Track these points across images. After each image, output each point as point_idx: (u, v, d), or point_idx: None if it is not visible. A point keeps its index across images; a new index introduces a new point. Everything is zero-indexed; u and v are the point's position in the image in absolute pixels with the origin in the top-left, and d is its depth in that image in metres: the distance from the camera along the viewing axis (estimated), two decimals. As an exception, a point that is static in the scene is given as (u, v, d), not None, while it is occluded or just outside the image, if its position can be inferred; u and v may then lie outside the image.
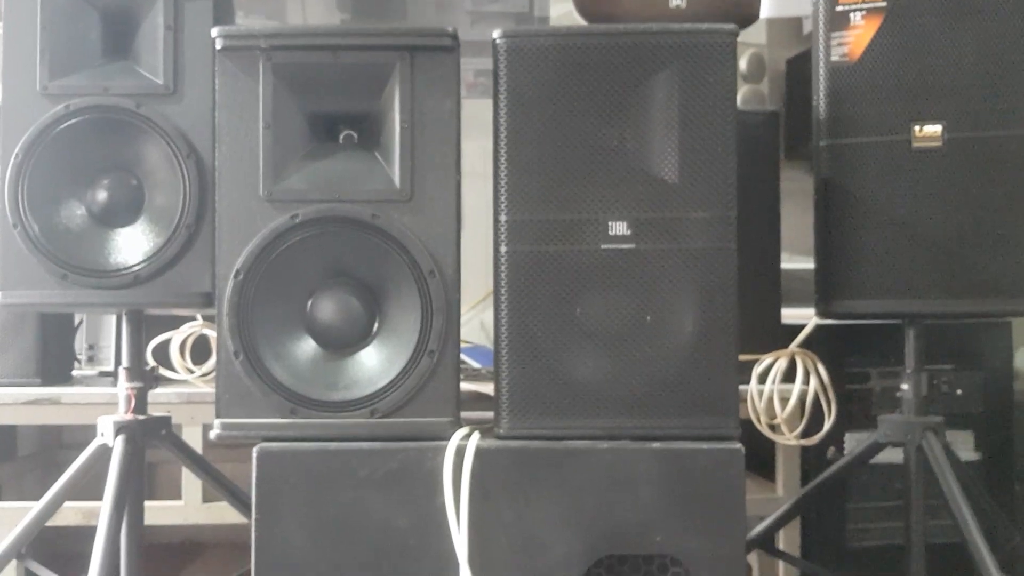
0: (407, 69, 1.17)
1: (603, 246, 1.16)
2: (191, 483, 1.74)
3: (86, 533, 1.30)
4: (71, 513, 1.67)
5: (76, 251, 1.25)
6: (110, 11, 1.27)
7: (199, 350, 1.67)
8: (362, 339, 1.19)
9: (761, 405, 1.52)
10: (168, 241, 1.25)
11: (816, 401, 1.51)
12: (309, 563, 1.13)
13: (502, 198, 1.17)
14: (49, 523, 1.34)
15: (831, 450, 1.79)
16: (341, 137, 1.21)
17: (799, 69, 2.21)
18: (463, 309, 1.23)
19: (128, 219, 1.27)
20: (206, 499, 1.74)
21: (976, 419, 1.86)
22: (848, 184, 1.34)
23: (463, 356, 1.72)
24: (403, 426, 1.16)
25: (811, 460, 1.76)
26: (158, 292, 1.25)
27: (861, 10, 1.34)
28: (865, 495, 1.81)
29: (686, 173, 1.16)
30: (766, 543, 1.51)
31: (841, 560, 1.79)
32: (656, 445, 1.14)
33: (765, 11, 2.11)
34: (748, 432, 1.25)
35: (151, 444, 1.35)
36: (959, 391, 1.85)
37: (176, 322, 1.68)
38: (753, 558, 1.75)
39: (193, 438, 1.69)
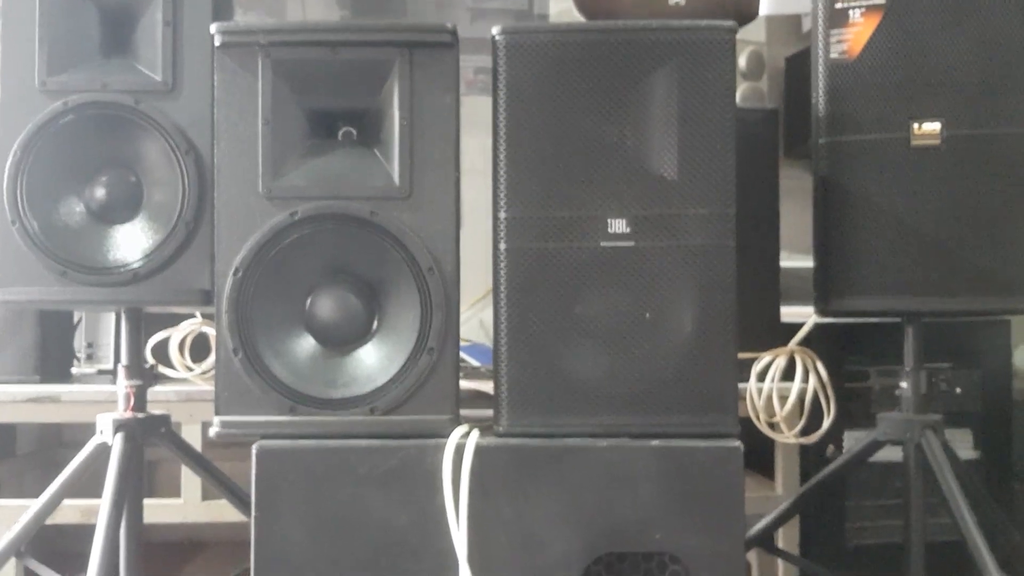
0: (406, 66, 1.16)
1: (602, 243, 1.16)
2: (190, 481, 1.74)
3: (85, 531, 1.30)
4: (70, 511, 1.67)
5: (75, 248, 1.25)
6: (109, 7, 1.27)
7: (198, 348, 1.67)
8: (361, 336, 1.19)
9: (760, 403, 1.52)
10: (167, 238, 1.25)
11: (815, 399, 1.51)
12: (309, 561, 1.13)
13: (501, 195, 1.17)
14: (48, 521, 1.34)
15: (830, 448, 1.79)
16: (340, 134, 1.21)
17: (798, 67, 2.21)
18: (462, 307, 1.23)
19: (127, 216, 1.27)
20: (205, 497, 1.74)
21: (975, 417, 1.87)
22: (847, 182, 1.34)
23: (462, 354, 1.72)
24: (402, 424, 1.16)
25: (810, 458, 1.76)
26: (157, 289, 1.25)
27: (860, 7, 1.34)
28: (864, 493, 1.81)
29: (685, 170, 1.16)
30: (765, 541, 1.51)
31: (840, 558, 1.79)
32: (655, 443, 1.14)
33: (764, 9, 2.11)
34: (747, 430, 1.25)
35: (150, 442, 1.35)
36: (958, 389, 1.85)
37: (175, 320, 1.68)
38: (752, 556, 1.75)
39: (192, 436, 1.69)
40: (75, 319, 1.92)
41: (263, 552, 1.13)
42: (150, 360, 1.57)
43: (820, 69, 1.37)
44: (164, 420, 1.38)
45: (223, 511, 1.67)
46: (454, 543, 1.10)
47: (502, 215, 1.17)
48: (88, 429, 1.36)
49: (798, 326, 1.55)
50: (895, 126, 1.32)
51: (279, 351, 1.17)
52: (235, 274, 1.16)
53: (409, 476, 1.13)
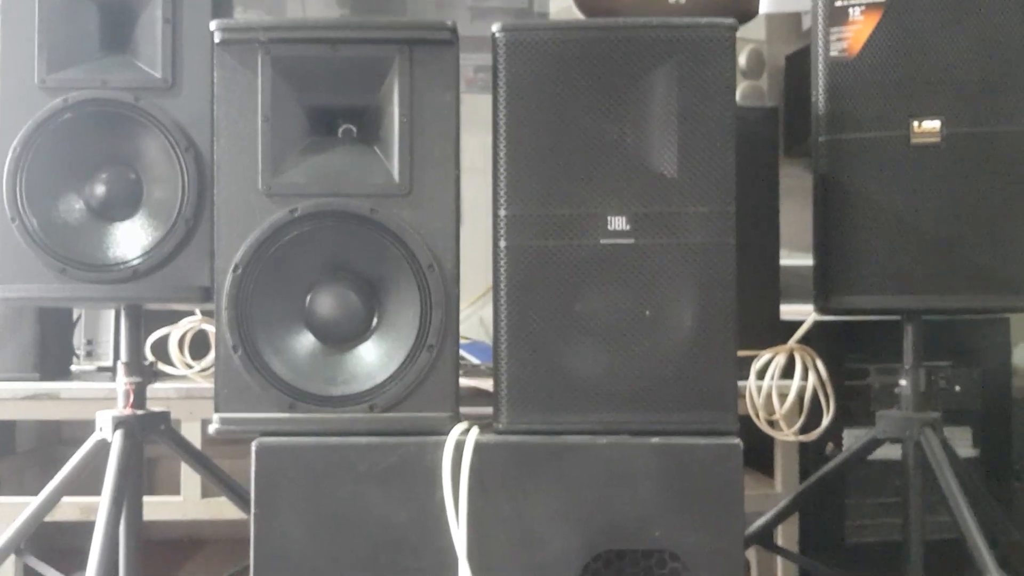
0: (406, 63, 1.16)
1: (602, 241, 1.16)
2: (190, 478, 1.74)
3: (85, 528, 1.30)
4: (70, 508, 1.67)
5: (74, 245, 1.25)
6: (108, 4, 1.27)
7: (198, 345, 1.67)
8: (361, 334, 1.19)
9: (760, 401, 1.52)
10: (166, 235, 1.25)
11: (815, 397, 1.51)
12: (308, 558, 1.13)
13: (501, 193, 1.17)
14: (48, 518, 1.34)
15: (830, 446, 1.80)
16: (340, 131, 1.21)
17: (798, 65, 2.21)
18: (462, 305, 1.23)
19: (126, 213, 1.27)
20: (205, 494, 1.74)
21: (974, 415, 1.87)
22: (847, 180, 1.34)
23: (462, 352, 1.72)
24: (402, 421, 1.16)
25: (810, 456, 1.76)
26: (156, 286, 1.25)
27: (860, 5, 1.34)
28: (863, 491, 1.81)
29: (685, 168, 1.16)
30: (764, 539, 1.51)
31: (839, 556, 1.79)
32: (655, 440, 1.14)
33: (764, 7, 2.11)
34: (747, 428, 1.25)
35: (150, 439, 1.35)
36: (957, 387, 1.85)
37: (175, 317, 1.68)
38: (752, 554, 1.75)
39: (192, 434, 1.69)
40: (74, 316, 1.92)
41: (262, 549, 1.13)
42: (150, 357, 1.57)
43: (820, 67, 1.37)
44: (164, 417, 1.38)
45: (222, 508, 1.67)
46: (454, 540, 1.11)
47: (502, 213, 1.17)
48: (88, 426, 1.36)
49: (798, 324, 1.55)
50: (895, 124, 1.32)
51: (279, 348, 1.17)
52: (235, 271, 1.16)
53: (409, 473, 1.13)
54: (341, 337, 1.18)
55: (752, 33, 2.34)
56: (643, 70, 1.17)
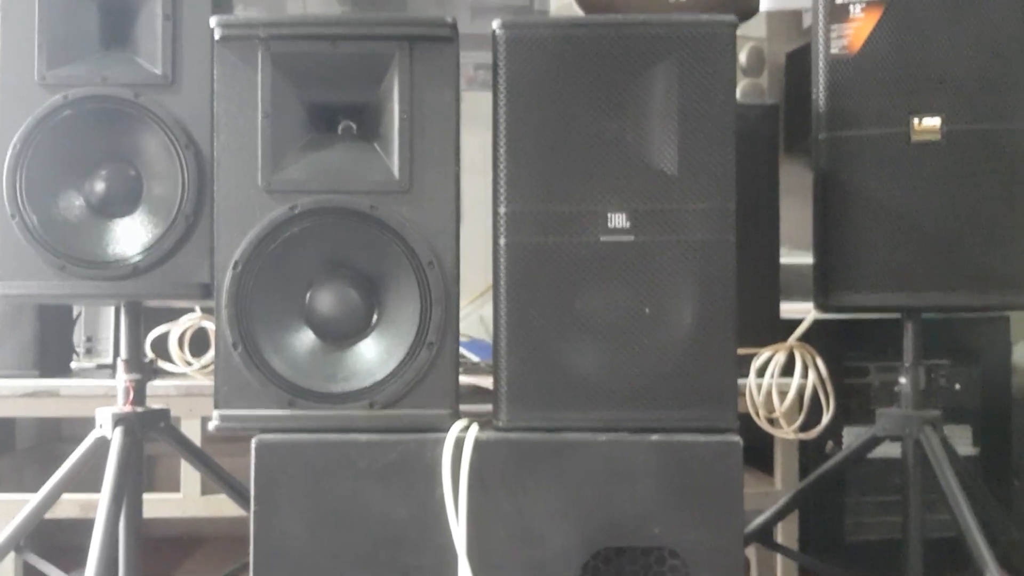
0: (406, 59, 1.16)
1: (602, 238, 1.16)
2: (190, 476, 1.74)
3: (84, 525, 1.30)
4: (69, 505, 1.67)
5: (74, 242, 1.25)
6: (108, 1, 1.27)
7: (197, 342, 1.67)
8: (361, 331, 1.19)
9: (759, 399, 1.52)
10: (166, 232, 1.25)
11: (814, 395, 1.51)
12: (308, 555, 1.13)
13: (501, 190, 1.17)
14: (47, 515, 1.34)
15: (829, 444, 1.80)
16: (340, 128, 1.21)
17: (799, 63, 2.21)
18: (462, 303, 1.23)
19: (126, 210, 1.27)
20: (205, 492, 1.74)
21: (974, 414, 1.87)
22: (847, 177, 1.34)
23: (462, 350, 1.72)
24: (402, 418, 1.16)
25: (809, 454, 1.77)
26: (156, 283, 1.25)
27: (860, 3, 1.34)
28: (863, 489, 1.81)
29: (685, 165, 1.16)
30: (764, 536, 1.51)
31: (839, 554, 1.79)
32: (654, 437, 1.14)
33: (765, 4, 2.11)
34: (746, 426, 1.25)
35: (149, 436, 1.35)
36: (957, 386, 1.85)
37: (174, 315, 1.68)
38: (751, 551, 1.75)
39: (192, 431, 1.69)
40: (74, 313, 1.92)
41: (262, 546, 1.13)
42: (149, 354, 1.57)
43: (820, 64, 1.37)
44: (163, 414, 1.38)
45: (222, 506, 1.67)
46: (453, 537, 1.10)
47: (502, 210, 1.17)
48: (87, 423, 1.36)
49: (798, 322, 1.55)
50: (895, 121, 1.32)
51: (279, 345, 1.17)
52: (234, 268, 1.16)
53: (408, 470, 1.13)
54: (341, 334, 1.18)
55: (752, 31, 2.34)
56: (643, 67, 1.17)
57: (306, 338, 1.18)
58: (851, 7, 1.35)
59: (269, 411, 1.15)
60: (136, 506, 1.36)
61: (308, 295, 1.19)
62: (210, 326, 1.58)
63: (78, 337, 1.93)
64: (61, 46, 1.25)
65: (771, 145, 1.75)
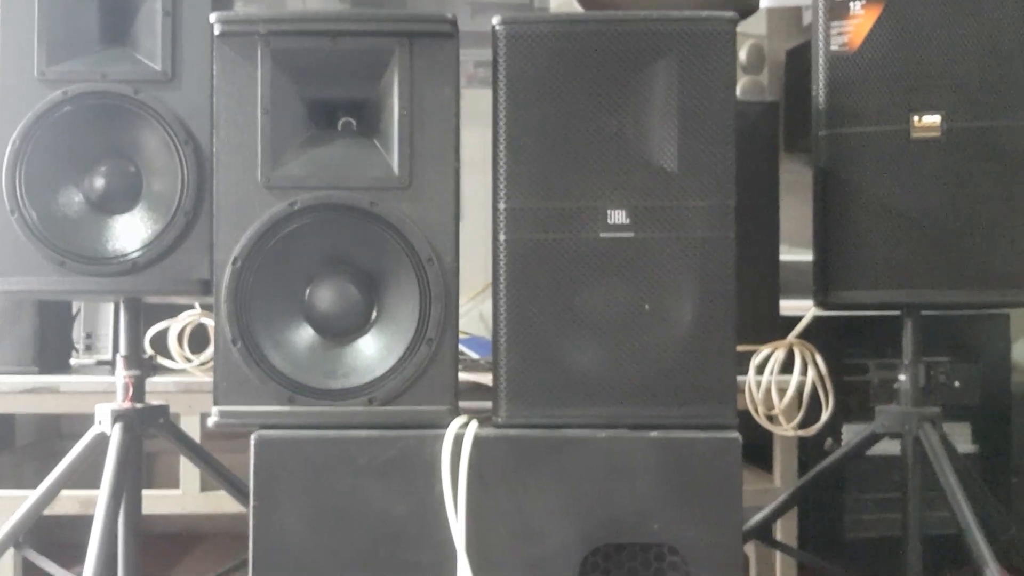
0: (406, 55, 1.16)
1: (602, 234, 1.16)
2: (189, 472, 1.74)
3: (84, 522, 1.30)
4: (69, 502, 1.67)
5: (73, 238, 1.25)
6: (108, -3, 1.27)
7: (197, 339, 1.67)
8: (360, 327, 1.19)
9: (759, 396, 1.52)
10: (166, 228, 1.24)
11: (814, 392, 1.51)
12: (307, 551, 1.13)
13: (501, 186, 1.17)
14: (47, 512, 1.34)
15: (829, 442, 1.80)
16: (340, 124, 1.21)
17: (799, 60, 2.21)
18: (462, 300, 1.23)
19: (126, 206, 1.27)
20: (204, 488, 1.74)
21: (973, 411, 1.87)
22: (847, 174, 1.34)
23: (462, 347, 1.72)
24: (401, 414, 1.16)
25: (809, 452, 1.77)
26: (156, 279, 1.25)
27: (861, 0, 1.34)
28: (862, 486, 1.81)
29: (685, 161, 1.16)
30: (763, 533, 1.51)
31: (838, 551, 1.79)
32: (654, 434, 1.14)
33: (765, 1, 2.11)
34: (746, 423, 1.25)
35: (149, 433, 1.35)
36: (956, 383, 1.86)
37: (174, 311, 1.68)
38: (750, 548, 1.75)
39: (191, 428, 1.69)
40: (74, 310, 1.92)
41: (261, 542, 1.13)
42: (149, 351, 1.57)
43: (820, 61, 1.37)
44: (163, 411, 1.38)
45: (222, 502, 1.67)
46: (452, 533, 1.11)
47: (501, 206, 1.17)
48: (87, 420, 1.36)
49: (797, 319, 1.55)
50: (895, 118, 1.32)
51: (278, 341, 1.17)
52: (234, 264, 1.16)
53: (408, 466, 1.13)
54: (340, 330, 1.18)
55: (753, 28, 2.34)
56: (643, 63, 1.16)
57: (306, 334, 1.18)
58: (851, 4, 1.35)
59: (268, 407, 1.15)
60: (135, 502, 1.36)
61: (308, 291, 1.19)
62: (210, 322, 1.58)
63: (77, 333, 1.92)
64: (61, 42, 1.25)
65: (771, 142, 1.75)
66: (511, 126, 1.16)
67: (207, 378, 1.62)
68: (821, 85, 1.37)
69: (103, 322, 1.92)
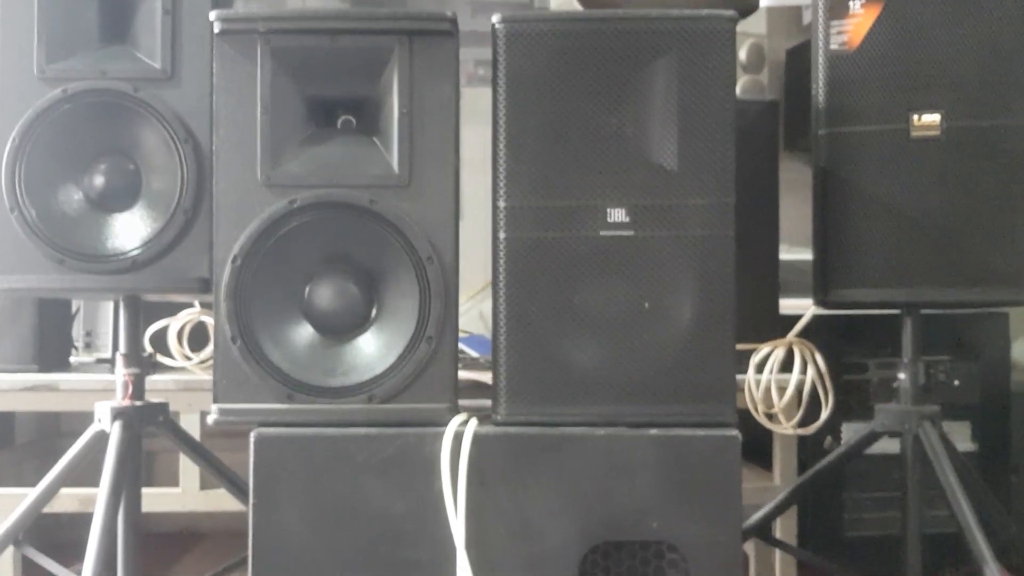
0: (406, 54, 1.16)
1: (601, 233, 1.16)
2: (189, 470, 1.74)
3: (83, 520, 1.30)
4: (68, 500, 1.67)
5: (73, 236, 1.25)
6: (108, -5, 1.27)
7: (197, 337, 1.67)
8: (360, 325, 1.19)
9: (758, 394, 1.52)
10: (165, 226, 1.24)
11: (813, 391, 1.51)
12: (307, 548, 1.13)
13: (501, 184, 1.17)
14: (46, 510, 1.34)
15: (828, 440, 1.80)
16: (339, 122, 1.21)
17: (799, 60, 2.20)
18: (462, 299, 1.23)
19: (125, 204, 1.27)
20: (204, 486, 1.74)
21: (973, 410, 1.87)
22: (846, 173, 1.34)
23: (461, 345, 1.72)
24: (401, 412, 1.16)
25: (808, 450, 1.77)
26: (155, 277, 1.25)
27: (861, -2, 1.34)
28: (862, 485, 1.81)
29: (685, 160, 1.16)
30: (763, 532, 1.51)
31: (838, 549, 1.79)
32: (653, 432, 1.14)
33: (765, 0, 2.10)
34: (745, 422, 1.25)
35: (148, 430, 1.35)
36: (956, 382, 1.86)
37: (173, 310, 1.68)
38: (750, 547, 1.76)
39: (191, 426, 1.69)
40: (73, 308, 1.92)
41: (261, 540, 1.13)
42: (148, 349, 1.57)
43: (820, 60, 1.37)
44: (162, 408, 1.38)
45: (221, 500, 1.67)
46: (452, 531, 1.11)
47: (501, 204, 1.17)
48: (86, 418, 1.36)
49: (797, 318, 1.55)
50: (895, 117, 1.32)
51: (278, 339, 1.17)
52: (234, 262, 1.16)
53: (407, 464, 1.13)
54: (340, 328, 1.18)
55: (753, 27, 2.34)
56: (643, 62, 1.16)
57: (305, 332, 1.18)
58: (851, 3, 1.35)
59: (268, 405, 1.15)
60: (135, 500, 1.36)
61: (307, 289, 1.19)
62: (209, 321, 1.58)
63: (77, 331, 1.93)
64: (60, 40, 1.25)
65: (771, 141, 1.75)
66: (511, 124, 1.16)
67: (207, 376, 1.62)
68: (821, 84, 1.37)
69: (103, 320, 1.92)
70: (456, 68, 1.18)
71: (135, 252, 1.25)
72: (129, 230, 1.26)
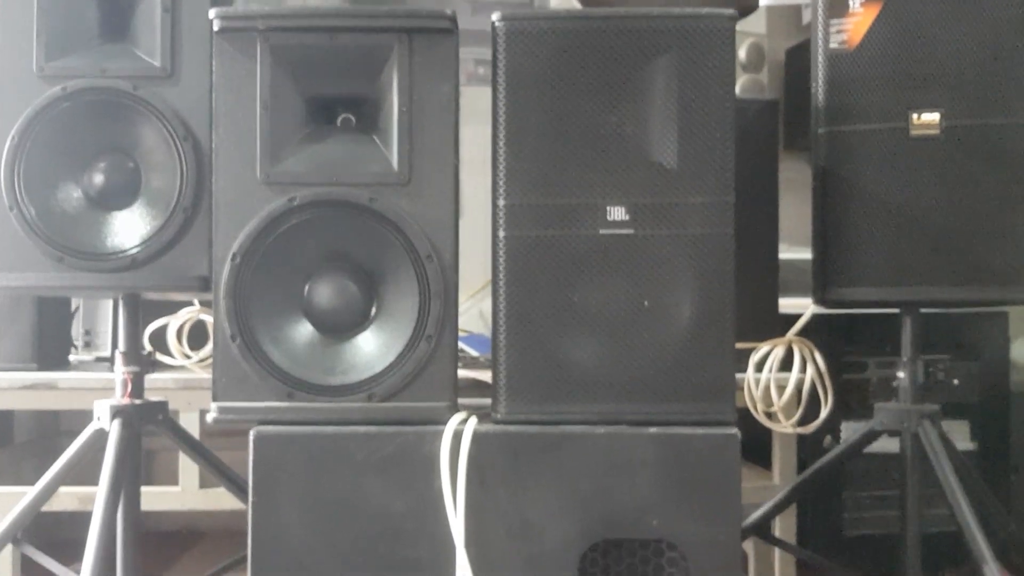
0: (405, 52, 1.16)
1: (601, 231, 1.16)
2: (188, 469, 1.74)
3: (82, 519, 1.30)
4: (67, 498, 1.67)
5: (72, 234, 1.25)
6: (107, -7, 1.27)
7: (196, 335, 1.67)
8: (360, 323, 1.19)
9: (758, 393, 1.52)
10: (165, 224, 1.24)
11: (813, 389, 1.51)
12: (306, 547, 1.13)
13: (500, 182, 1.17)
14: (45, 508, 1.34)
15: (828, 439, 1.80)
16: (339, 120, 1.21)
17: (798, 59, 2.20)
18: (462, 298, 1.23)
19: (125, 202, 1.26)
20: (203, 485, 1.74)
21: (972, 409, 1.87)
22: (846, 171, 1.34)
23: (461, 344, 1.72)
24: (400, 410, 1.16)
25: (808, 449, 1.77)
26: (155, 275, 1.25)
27: (861, -3, 1.34)
28: (861, 484, 1.82)
29: (684, 158, 1.16)
30: (762, 530, 1.51)
31: (837, 548, 1.79)
32: (653, 430, 1.14)
33: (764, -1, 2.11)
34: (745, 420, 1.25)
35: (147, 429, 1.35)
36: (955, 381, 1.86)
37: (173, 308, 1.68)
38: (749, 545, 1.76)
39: (191, 424, 1.69)
40: (73, 306, 1.92)
41: (260, 538, 1.13)
42: (148, 347, 1.57)
43: (820, 59, 1.37)
44: (162, 407, 1.38)
45: (221, 499, 1.67)
46: (451, 529, 1.11)
47: (501, 202, 1.17)
48: (86, 416, 1.35)
49: (796, 317, 1.55)
50: (894, 116, 1.32)
51: (277, 337, 1.17)
52: (233, 260, 1.16)
53: (407, 462, 1.13)
54: (340, 326, 1.18)
55: (752, 27, 2.34)
56: (643, 60, 1.16)
57: (305, 330, 1.18)
58: (851, 2, 1.35)
59: (267, 403, 1.15)
60: (134, 499, 1.36)
61: (307, 287, 1.19)
62: (209, 319, 1.58)
63: (76, 330, 1.92)
64: (60, 38, 1.25)
65: (771, 140, 1.75)
66: (511, 123, 1.16)
67: (206, 375, 1.62)
68: (820, 83, 1.37)
69: (102, 318, 1.92)
70: (456, 66, 1.18)
71: (134, 250, 1.25)
72: (128, 228, 1.26)
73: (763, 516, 1.48)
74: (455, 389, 1.17)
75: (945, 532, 1.44)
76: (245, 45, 1.17)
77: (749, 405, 1.52)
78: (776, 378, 1.52)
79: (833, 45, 1.36)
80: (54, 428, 2.24)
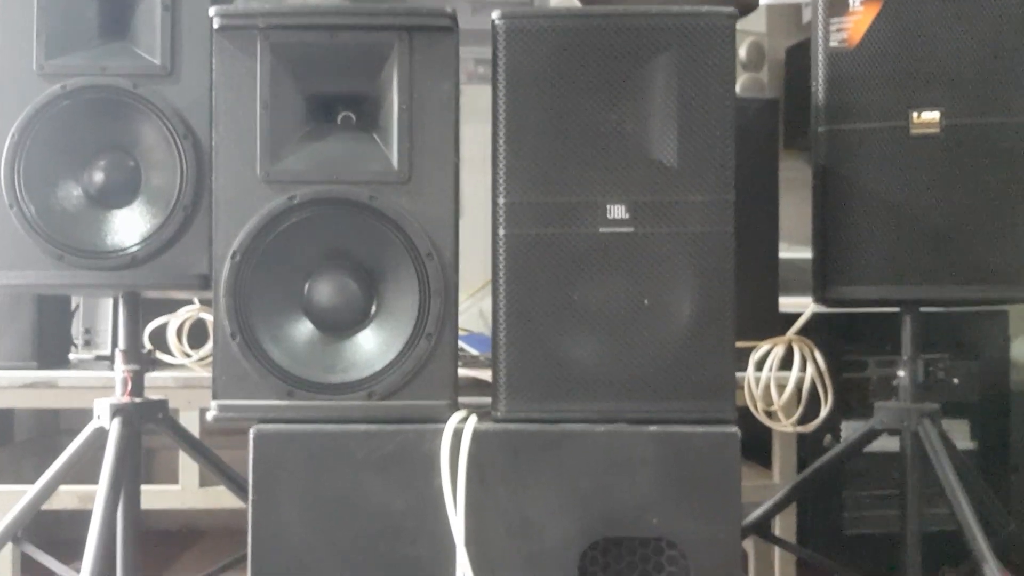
0: (405, 50, 1.16)
1: (601, 229, 1.16)
2: (188, 468, 1.74)
3: (82, 517, 1.30)
4: (67, 497, 1.67)
5: (72, 232, 1.25)
6: (107, -9, 1.27)
7: (196, 334, 1.67)
8: (360, 321, 1.19)
9: (758, 392, 1.52)
10: (165, 222, 1.24)
11: (813, 388, 1.51)
12: (306, 545, 1.13)
13: (500, 180, 1.17)
14: (45, 507, 1.34)
15: (827, 438, 1.80)
16: (339, 118, 1.21)
17: (798, 58, 2.21)
18: (462, 297, 1.23)
19: (125, 200, 1.26)
20: (203, 483, 1.74)
21: (972, 408, 1.87)
22: (846, 170, 1.34)
23: (461, 343, 1.72)
24: (400, 409, 1.16)
25: (808, 448, 1.77)
26: (155, 274, 1.25)
27: (861, -4, 1.34)
28: (861, 483, 1.82)
29: (685, 156, 1.16)
30: (762, 529, 1.51)
31: (837, 547, 1.79)
32: (653, 428, 1.14)
33: (765, -2, 2.10)
34: (745, 419, 1.25)
35: (147, 427, 1.35)
36: (955, 380, 1.86)
37: (173, 307, 1.68)
38: (749, 544, 1.76)
39: (191, 423, 1.69)
40: (73, 305, 1.92)
41: (260, 537, 1.13)
42: (148, 346, 1.57)
43: (820, 57, 1.37)
44: (162, 405, 1.38)
45: (221, 497, 1.67)
46: (451, 527, 1.11)
47: (501, 201, 1.17)
48: (86, 415, 1.35)
49: (796, 316, 1.56)
50: (894, 115, 1.32)
51: (277, 336, 1.17)
52: (233, 258, 1.16)
53: (407, 461, 1.13)
54: (340, 325, 1.18)
55: (752, 25, 2.34)
56: (643, 58, 1.16)
57: (305, 328, 1.18)
58: (851, 0, 1.35)
59: (267, 401, 1.15)
60: (134, 497, 1.36)
61: (307, 286, 1.19)
62: (209, 318, 1.58)
63: (76, 328, 1.93)
64: (60, 36, 1.25)
65: (771, 139, 1.75)
66: (511, 121, 1.16)
67: (206, 373, 1.62)
68: (820, 81, 1.37)
69: (102, 317, 1.92)
70: (456, 63, 1.18)
71: (134, 248, 1.25)
72: (128, 226, 1.26)
73: (763, 515, 1.48)
74: (455, 387, 1.17)
75: (945, 531, 1.44)
76: (245, 43, 1.17)
77: (749, 404, 1.52)
78: (776, 377, 1.52)
79: (833, 44, 1.36)
80: (54, 427, 2.24)
